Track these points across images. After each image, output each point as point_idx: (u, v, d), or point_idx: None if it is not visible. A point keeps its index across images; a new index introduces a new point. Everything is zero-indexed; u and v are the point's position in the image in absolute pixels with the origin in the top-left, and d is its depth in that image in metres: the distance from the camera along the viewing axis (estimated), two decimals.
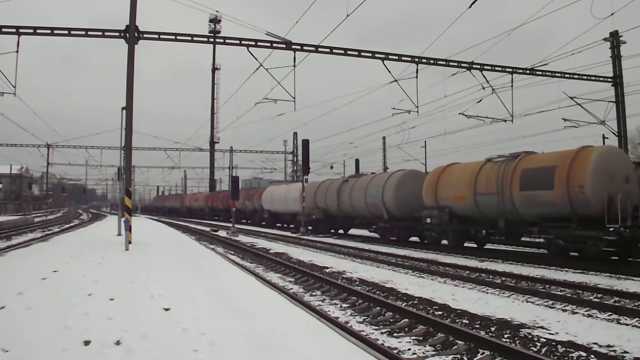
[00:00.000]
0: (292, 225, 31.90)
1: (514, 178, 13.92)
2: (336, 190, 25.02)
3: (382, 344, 5.80)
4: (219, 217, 47.75)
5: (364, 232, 24.89)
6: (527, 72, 20.42)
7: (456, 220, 16.38)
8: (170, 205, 70.57)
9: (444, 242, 17.66)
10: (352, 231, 26.72)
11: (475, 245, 17.30)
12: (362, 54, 18.10)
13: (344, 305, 8.28)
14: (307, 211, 27.36)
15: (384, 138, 50.90)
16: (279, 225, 33.95)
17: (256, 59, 17.20)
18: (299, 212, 28.27)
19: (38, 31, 15.22)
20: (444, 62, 19.04)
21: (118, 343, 4.51)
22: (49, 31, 15.34)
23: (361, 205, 22.49)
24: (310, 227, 27.94)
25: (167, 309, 5.96)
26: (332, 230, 27.05)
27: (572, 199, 12.28)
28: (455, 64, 19.11)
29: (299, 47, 17.15)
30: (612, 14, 17.51)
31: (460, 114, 21.13)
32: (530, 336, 6.13)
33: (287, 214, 31.89)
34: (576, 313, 7.51)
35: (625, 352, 5.43)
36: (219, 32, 53.71)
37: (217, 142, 61.09)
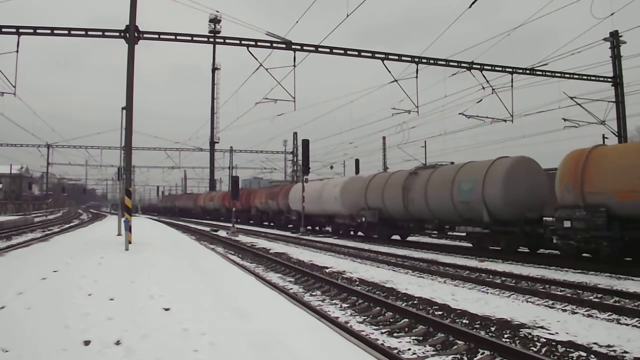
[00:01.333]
0: (328, 229, 27.15)
1: None
2: (400, 186, 19.65)
3: (382, 344, 5.81)
4: (238, 218, 40.75)
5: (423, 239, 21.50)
6: (527, 72, 20.45)
7: (617, 224, 11.53)
8: (182, 205, 64.52)
9: (586, 255, 12.64)
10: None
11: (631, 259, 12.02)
12: (362, 54, 18.12)
13: (344, 305, 8.28)
14: (353, 212, 23.36)
15: (384, 138, 51.00)
16: (309, 228, 28.88)
17: (256, 59, 17.24)
18: (338, 213, 24.80)
19: (38, 31, 15.23)
20: (444, 62, 19.07)
21: (118, 343, 4.51)
22: (49, 31, 15.34)
23: (444, 204, 17.22)
24: (356, 233, 24.31)
25: (167, 309, 5.96)
26: (389, 237, 21.90)
27: None
28: (455, 64, 19.14)
29: (299, 47, 17.17)
30: (612, 14, 17.61)
31: (460, 114, 21.23)
32: (530, 336, 6.12)
33: (321, 215, 26.51)
34: (576, 313, 7.51)
35: (625, 352, 5.43)
36: (219, 32, 53.71)
37: (217, 142, 61.22)
